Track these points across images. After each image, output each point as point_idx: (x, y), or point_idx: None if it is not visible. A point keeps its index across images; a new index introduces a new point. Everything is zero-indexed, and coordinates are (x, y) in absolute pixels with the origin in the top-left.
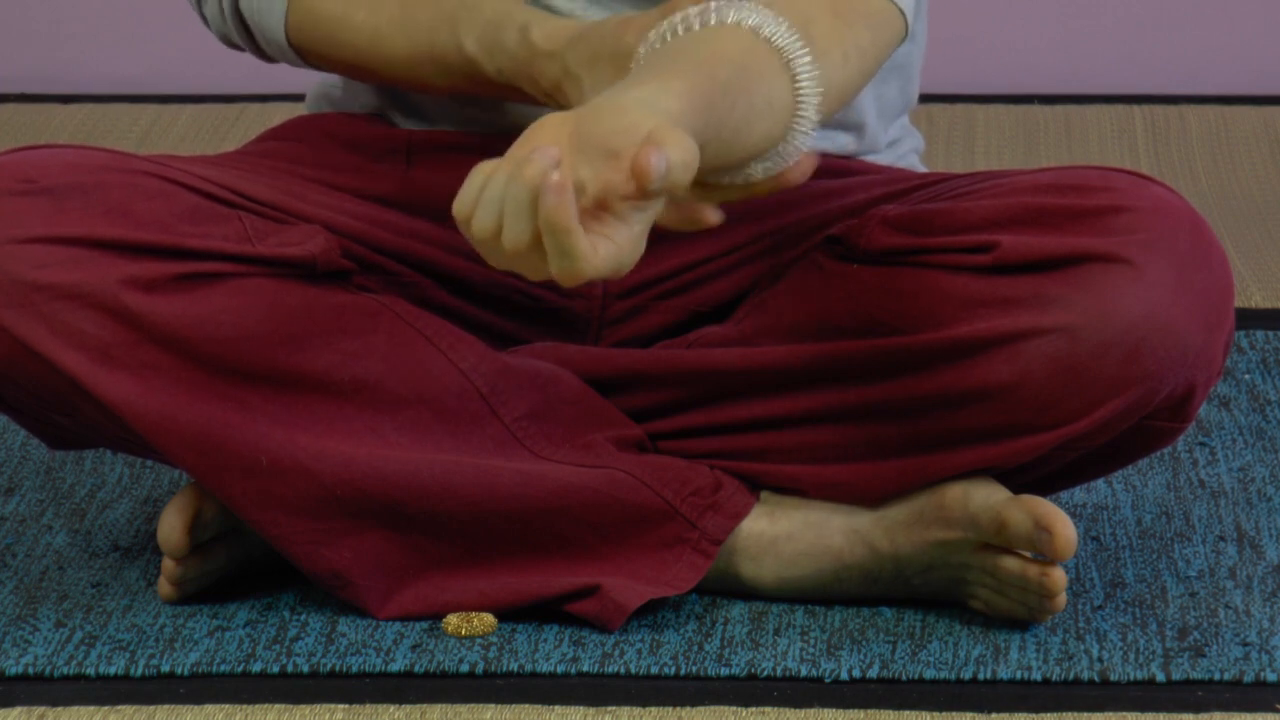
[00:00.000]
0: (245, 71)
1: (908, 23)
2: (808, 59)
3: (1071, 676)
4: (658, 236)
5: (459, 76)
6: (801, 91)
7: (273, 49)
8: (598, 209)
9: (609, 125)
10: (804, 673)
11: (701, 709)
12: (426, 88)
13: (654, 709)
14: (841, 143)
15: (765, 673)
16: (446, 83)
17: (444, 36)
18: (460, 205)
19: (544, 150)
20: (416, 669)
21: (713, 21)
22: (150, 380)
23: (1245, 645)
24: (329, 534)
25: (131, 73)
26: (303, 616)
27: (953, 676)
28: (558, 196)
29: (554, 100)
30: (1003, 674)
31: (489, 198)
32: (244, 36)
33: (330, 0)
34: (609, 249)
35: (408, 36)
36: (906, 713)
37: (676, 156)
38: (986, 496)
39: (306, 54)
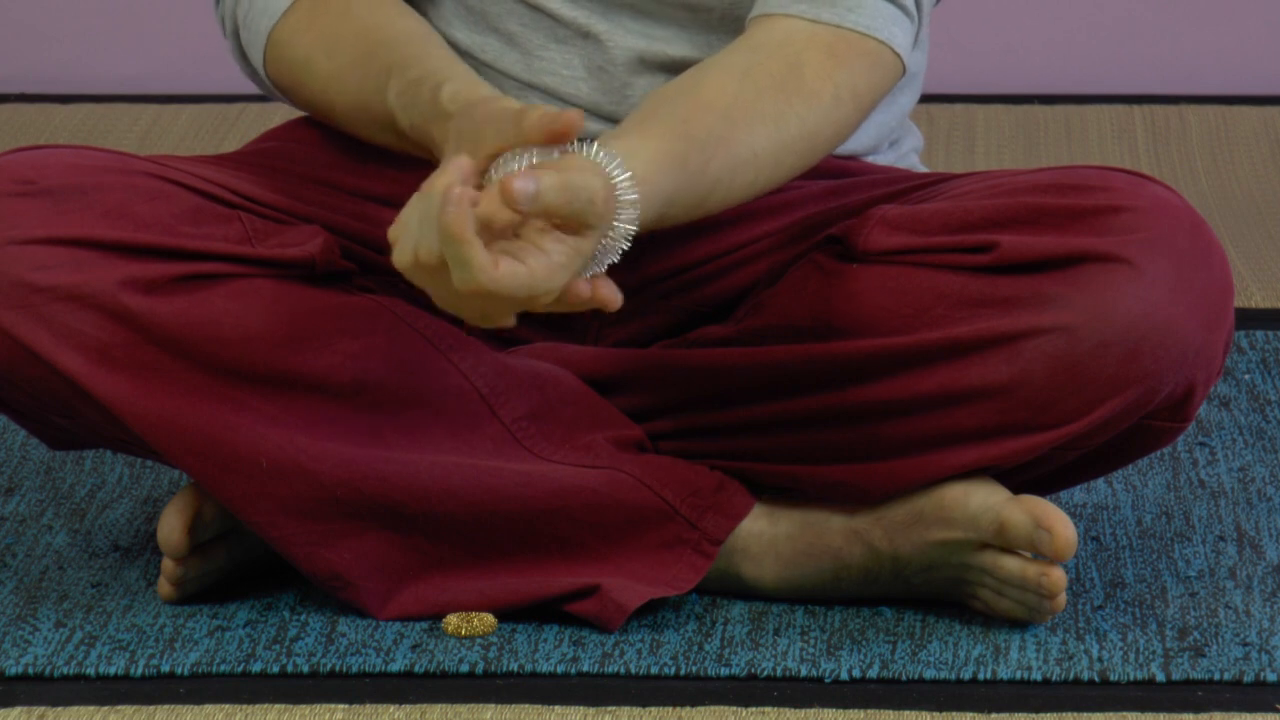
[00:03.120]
0: None
1: (904, 63)
2: (633, 204)
3: (1071, 676)
4: (658, 237)
5: (386, 130)
6: (614, 231)
7: (263, 86)
8: (514, 235)
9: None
10: (804, 673)
11: (701, 709)
12: (367, 140)
13: (654, 709)
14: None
15: (765, 673)
16: (377, 136)
17: (375, 89)
18: (391, 231)
19: (456, 162)
20: (416, 669)
21: (555, 156)
22: (150, 381)
23: (1245, 645)
24: (329, 535)
25: (131, 73)
26: (303, 616)
27: (953, 676)
28: (453, 206)
29: None
30: (1003, 674)
31: (407, 220)
32: (248, 70)
33: (298, 44)
34: (515, 269)
35: (351, 87)
36: (906, 713)
37: (548, 182)
38: (986, 496)
39: (283, 91)
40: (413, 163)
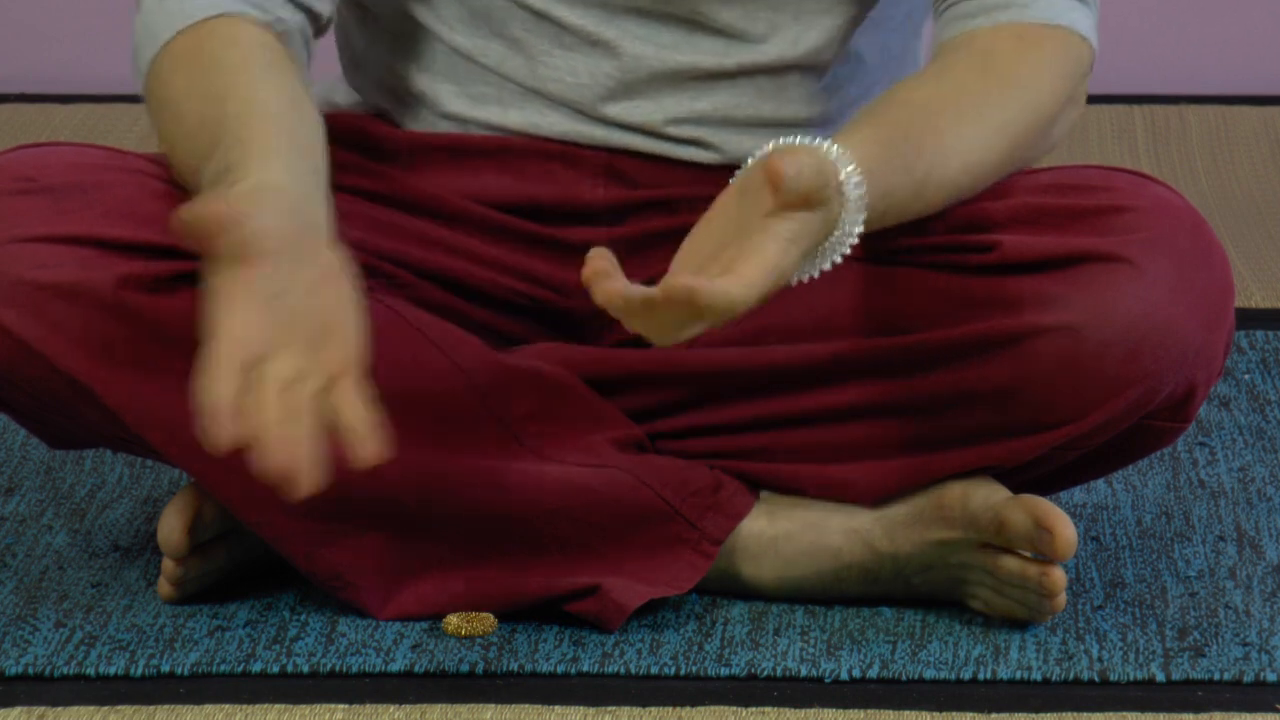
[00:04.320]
0: None
1: (1093, 47)
2: (860, 195)
3: (1071, 676)
4: (657, 237)
5: None
6: (843, 224)
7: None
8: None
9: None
10: (804, 673)
11: (701, 709)
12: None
13: (654, 709)
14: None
15: (765, 673)
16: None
17: (202, 163)
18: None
19: (597, 251)
20: (416, 669)
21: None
22: (150, 380)
23: (1245, 645)
24: (328, 535)
25: (131, 73)
26: (303, 616)
27: (953, 676)
28: (664, 288)
29: None
30: (1003, 674)
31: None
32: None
33: (171, 85)
34: (753, 268)
35: (186, 150)
36: (906, 713)
37: (808, 160)
38: (986, 496)
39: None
40: (416, 164)
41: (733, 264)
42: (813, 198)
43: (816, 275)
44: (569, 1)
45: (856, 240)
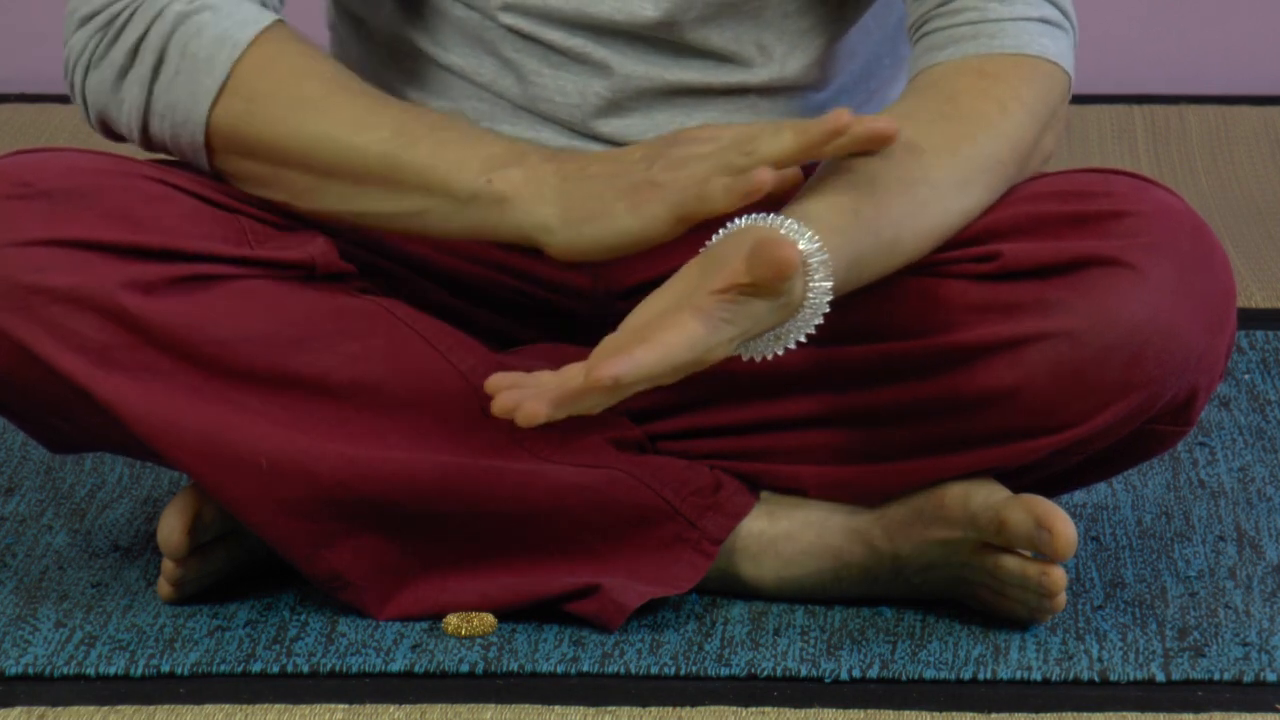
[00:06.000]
0: None
1: (1066, 71)
2: (824, 264)
3: (1071, 676)
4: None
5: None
6: (808, 300)
7: (176, 138)
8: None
9: (731, 243)
10: (804, 673)
11: (701, 709)
12: (362, 215)
13: (654, 709)
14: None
15: (765, 673)
16: (391, 205)
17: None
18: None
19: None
20: (416, 669)
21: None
22: (149, 383)
23: (1245, 645)
24: (328, 535)
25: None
26: (303, 616)
27: (953, 676)
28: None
29: None
30: (1003, 674)
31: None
32: (169, 121)
33: (277, 67)
34: (665, 341)
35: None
36: (906, 713)
37: (793, 259)
38: (987, 496)
39: (233, 128)
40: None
41: (651, 334)
42: (767, 291)
43: (781, 353)
44: (558, 25)
45: (822, 321)
